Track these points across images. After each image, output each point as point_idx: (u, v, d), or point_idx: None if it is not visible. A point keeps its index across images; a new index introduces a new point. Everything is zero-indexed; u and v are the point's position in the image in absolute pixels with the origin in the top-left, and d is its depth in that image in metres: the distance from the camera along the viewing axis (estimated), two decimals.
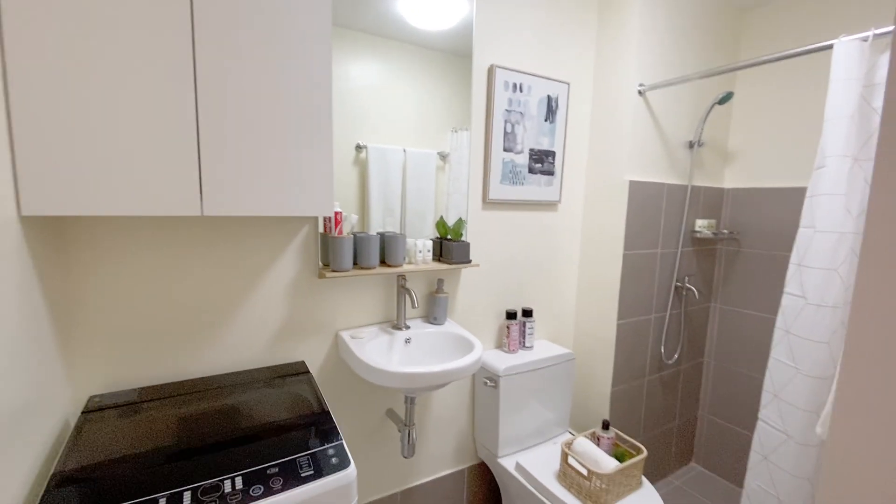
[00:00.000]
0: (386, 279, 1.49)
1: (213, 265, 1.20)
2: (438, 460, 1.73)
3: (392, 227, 1.48)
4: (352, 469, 0.88)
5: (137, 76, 0.85)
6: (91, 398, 1.06)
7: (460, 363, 1.25)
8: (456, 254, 1.50)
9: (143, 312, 1.13)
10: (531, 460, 1.59)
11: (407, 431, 1.45)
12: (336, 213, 1.28)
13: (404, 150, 1.48)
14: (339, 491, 0.86)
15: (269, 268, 1.28)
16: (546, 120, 1.77)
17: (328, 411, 1.05)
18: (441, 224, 1.55)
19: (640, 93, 1.75)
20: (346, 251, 1.29)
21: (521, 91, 1.68)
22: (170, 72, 0.88)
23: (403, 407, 1.49)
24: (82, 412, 1.00)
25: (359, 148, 1.40)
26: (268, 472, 0.83)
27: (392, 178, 1.47)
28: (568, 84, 1.80)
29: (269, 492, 0.79)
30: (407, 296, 1.45)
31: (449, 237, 1.54)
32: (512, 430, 1.66)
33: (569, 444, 1.48)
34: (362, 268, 1.34)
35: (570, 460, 1.43)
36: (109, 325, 1.09)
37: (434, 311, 1.56)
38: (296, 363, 1.32)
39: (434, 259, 1.54)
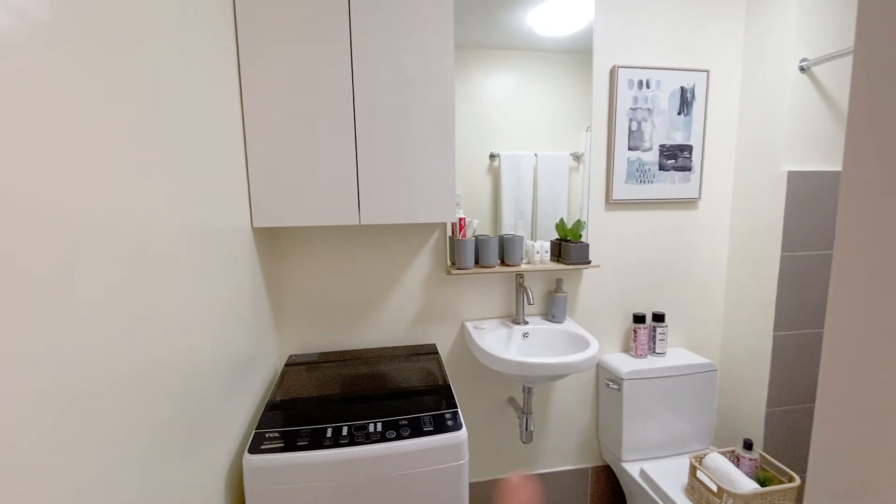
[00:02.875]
0: (505, 277, 1.64)
1: (368, 262, 1.53)
2: (560, 455, 1.79)
3: (523, 230, 1.62)
4: (463, 432, 1.06)
5: (320, 136, 1.19)
6: (290, 356, 1.48)
7: (573, 358, 1.32)
8: (574, 255, 1.56)
9: (322, 297, 1.52)
10: (657, 469, 1.53)
11: (525, 419, 1.57)
12: (460, 219, 1.48)
13: (535, 155, 1.60)
14: (452, 448, 1.05)
15: (409, 265, 1.56)
16: (680, 113, 1.67)
17: (449, 385, 1.26)
18: (560, 226, 1.62)
19: (802, 69, 1.51)
20: (468, 252, 1.49)
21: (647, 87, 1.63)
22: (340, 132, 1.20)
23: (522, 397, 1.61)
24: (285, 365, 1.41)
25: (492, 157, 1.58)
26: (399, 422, 1.07)
27: (523, 183, 1.60)
28: (706, 72, 1.66)
29: (399, 437, 1.03)
30: (524, 293, 1.57)
31: (567, 238, 1.61)
32: (638, 437, 1.62)
33: (699, 458, 1.39)
34: (483, 266, 1.52)
35: (700, 474, 1.35)
36: (301, 306, 1.51)
37: (553, 310, 1.64)
38: (428, 345, 1.57)
39: (553, 259, 1.62)
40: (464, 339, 1.63)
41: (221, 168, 1.00)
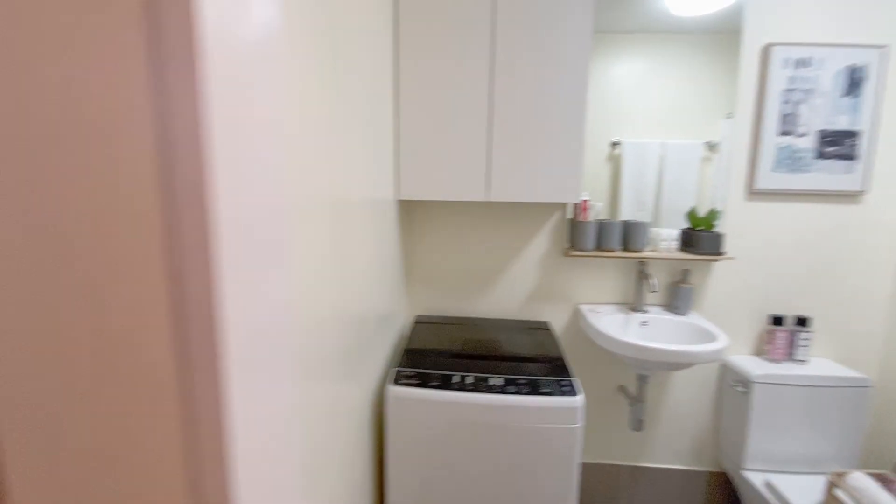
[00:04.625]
0: (626, 263, 1.63)
1: (489, 238, 1.64)
2: (670, 451, 1.73)
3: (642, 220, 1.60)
4: (579, 398, 1.12)
5: (457, 120, 1.33)
6: (417, 316, 1.66)
7: (697, 348, 1.28)
8: (705, 244, 1.49)
9: (445, 267, 1.67)
10: (787, 483, 1.41)
11: (637, 407, 1.56)
12: (584, 201, 1.52)
13: (662, 144, 1.56)
14: (566, 411, 1.11)
15: (527, 243, 1.63)
16: (847, 95, 1.48)
17: (563, 358, 1.31)
18: (692, 214, 1.56)
19: None
20: (589, 234, 1.51)
21: (806, 66, 1.48)
22: (475, 116, 1.32)
23: (635, 385, 1.59)
24: (414, 323, 1.60)
25: (614, 145, 1.58)
26: (518, 381, 1.17)
27: (646, 173, 1.58)
28: (883, 47, 1.45)
29: (518, 392, 1.12)
30: (646, 281, 1.55)
31: (699, 227, 1.54)
32: (764, 446, 1.50)
33: (840, 475, 1.25)
34: (603, 250, 1.53)
35: (839, 492, 1.22)
36: (427, 273, 1.68)
37: (676, 301, 1.58)
38: (541, 322, 1.64)
39: (681, 249, 1.56)
40: (576, 322, 1.66)
41: (380, 149, 1.18)
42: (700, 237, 1.50)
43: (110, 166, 0.29)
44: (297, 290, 0.62)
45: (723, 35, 1.50)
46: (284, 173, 0.42)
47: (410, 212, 1.65)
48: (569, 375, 1.20)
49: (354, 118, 0.90)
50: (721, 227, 1.55)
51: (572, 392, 1.13)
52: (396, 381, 1.16)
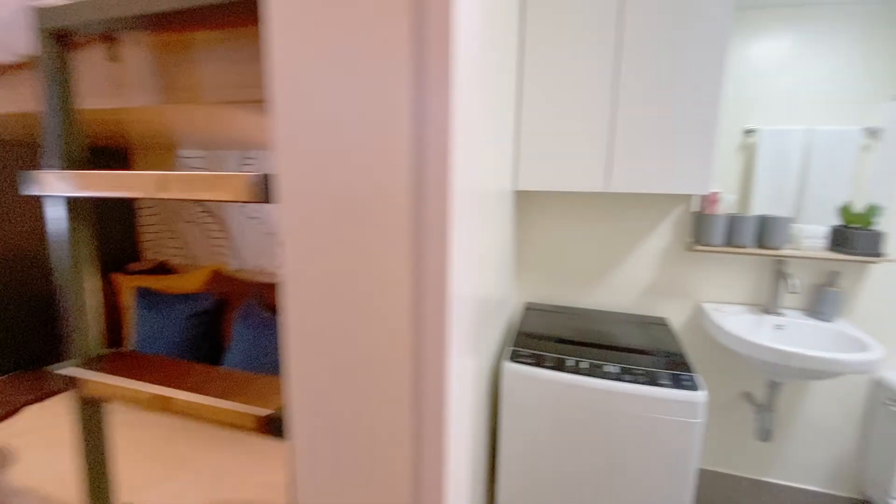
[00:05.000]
0: (759, 261, 1.51)
1: (604, 229, 1.64)
2: (803, 470, 1.57)
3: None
4: (702, 394, 1.10)
5: (578, 108, 1.36)
6: (527, 303, 1.73)
7: (847, 357, 1.17)
8: (860, 244, 1.32)
9: (557, 256, 1.71)
10: None
11: (766, 415, 1.45)
12: (713, 193, 1.44)
13: (809, 130, 1.42)
14: (687, 405, 1.10)
15: (646, 236, 1.60)
16: None
17: (683, 353, 1.28)
18: (846, 209, 1.39)
19: None
20: (718, 228, 1.43)
21: None
22: (597, 103, 1.34)
23: (762, 392, 1.48)
24: (525, 309, 1.67)
25: (747, 132, 1.47)
26: (634, 370, 1.18)
27: (787, 163, 1.44)
28: None
29: (634, 381, 1.14)
30: (783, 281, 1.42)
31: (853, 225, 1.37)
32: None
33: None
34: (734, 246, 1.44)
35: None
36: (538, 261, 1.73)
37: (820, 306, 1.43)
38: (658, 317, 1.60)
39: (829, 248, 1.41)
40: (697, 320, 1.59)
41: (503, 140, 1.27)
42: (855, 235, 1.33)
43: (376, 163, 0.42)
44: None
45: (891, 2, 1.30)
46: (478, 166, 0.52)
47: (525, 201, 1.71)
48: (689, 371, 1.18)
49: (490, 110, 1.00)
50: (881, 224, 1.36)
51: (693, 386, 1.11)
52: (512, 359, 1.25)
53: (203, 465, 1.16)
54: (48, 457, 1.19)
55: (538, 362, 1.23)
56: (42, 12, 0.67)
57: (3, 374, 1.60)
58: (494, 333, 1.33)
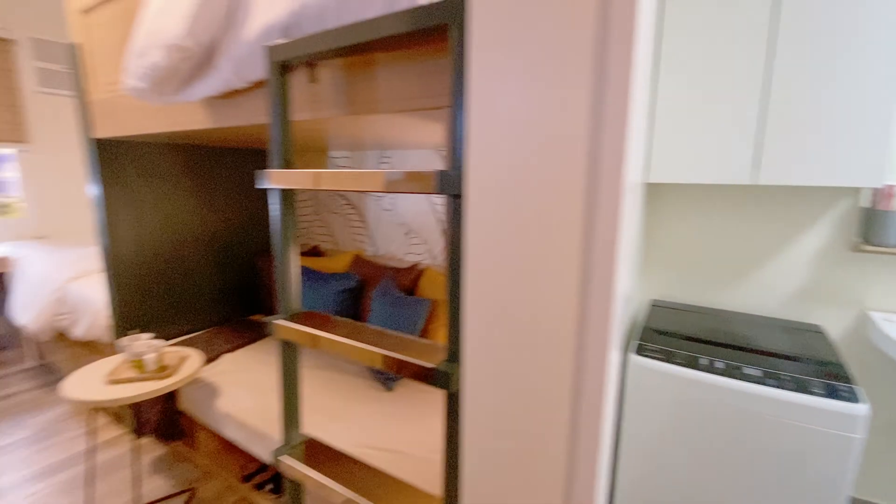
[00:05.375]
0: None
1: (747, 225, 1.52)
2: None
3: None
4: (863, 407, 0.99)
5: (721, 91, 1.28)
6: (654, 300, 1.69)
7: None
8: None
9: (689, 253, 1.63)
10: None
11: None
12: (889, 186, 1.25)
13: None
14: (843, 417, 1.00)
15: (798, 234, 1.45)
16: None
17: (843, 364, 1.15)
18: None
19: None
20: (895, 227, 1.24)
21: None
22: (745, 85, 1.25)
23: None
24: (651, 305, 1.63)
25: None
26: (779, 376, 1.10)
27: None
28: None
29: (780, 387, 1.06)
30: None
31: None
32: None
33: None
34: None
35: None
36: (667, 258, 1.67)
37: None
38: (810, 324, 1.44)
39: None
40: (863, 330, 1.39)
41: (638, 132, 1.26)
42: None
43: (555, 163, 0.50)
44: None
45: None
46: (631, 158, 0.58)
47: (654, 194, 1.66)
48: (849, 382, 1.06)
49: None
50: None
51: (853, 398, 1.00)
52: (639, 352, 1.25)
53: (352, 417, 1.38)
54: (241, 393, 1.53)
55: (667, 358, 1.21)
56: (272, 49, 0.89)
57: (206, 329, 2.07)
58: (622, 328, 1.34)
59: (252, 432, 1.37)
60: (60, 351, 2.36)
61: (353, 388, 1.55)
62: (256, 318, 2.24)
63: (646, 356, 1.23)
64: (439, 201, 1.95)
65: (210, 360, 1.74)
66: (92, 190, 1.71)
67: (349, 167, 2.26)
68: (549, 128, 0.50)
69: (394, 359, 0.77)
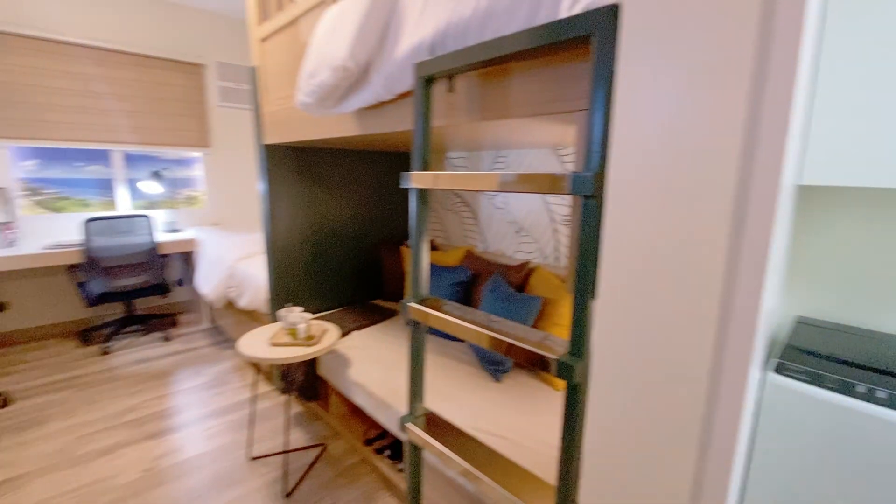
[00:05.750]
0: None
1: None
2: None
3: None
4: None
5: None
6: (799, 316, 1.50)
7: None
8: None
9: (851, 266, 1.41)
10: None
11: None
12: None
13: None
14: None
15: None
16: None
17: None
18: None
19: None
20: None
21: None
22: None
23: None
24: (795, 322, 1.45)
25: None
26: None
27: None
28: None
29: None
30: None
31: None
32: None
33: None
34: None
35: None
36: (819, 270, 1.47)
37: None
38: None
39: None
40: None
41: None
42: None
43: (705, 166, 0.52)
44: None
45: None
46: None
47: (806, 197, 1.47)
48: None
49: None
50: None
51: None
52: (778, 371, 1.13)
53: (462, 400, 1.49)
54: (368, 366, 1.73)
55: (814, 380, 1.08)
56: (420, 65, 1.00)
57: (338, 308, 2.36)
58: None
59: (377, 401, 1.56)
60: (227, 317, 2.89)
61: (463, 374, 1.66)
62: (378, 302, 2.49)
63: (788, 376, 1.11)
64: (555, 201, 1.96)
65: (343, 334, 2.00)
66: (260, 186, 2.08)
67: (465, 167, 2.38)
68: (701, 131, 0.51)
69: (518, 347, 0.83)
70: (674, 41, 0.53)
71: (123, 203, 3.25)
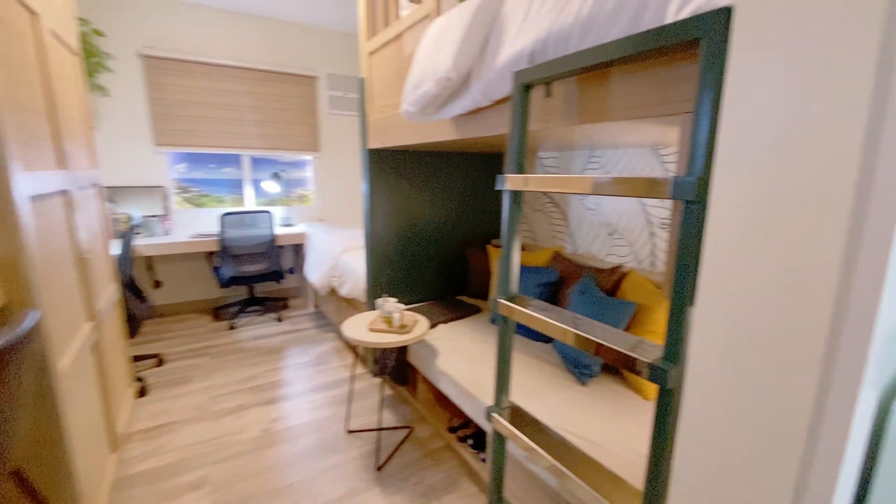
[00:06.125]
0: None
1: None
2: None
3: None
4: None
5: None
6: None
7: None
8: None
9: None
10: None
11: None
12: None
13: None
14: None
15: None
16: None
17: None
18: None
19: None
20: None
21: None
22: None
23: None
24: None
25: None
26: None
27: None
28: None
29: None
30: None
31: None
32: None
33: None
34: None
35: None
36: None
37: None
38: None
39: None
40: None
41: None
42: None
43: (820, 176, 0.50)
44: None
45: None
46: None
47: None
48: None
49: None
50: None
51: None
52: None
53: (546, 400, 1.50)
54: (455, 357, 1.83)
55: None
56: (519, 73, 1.05)
57: (426, 302, 2.50)
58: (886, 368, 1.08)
59: (462, 391, 1.64)
60: (329, 303, 3.20)
61: (548, 374, 1.68)
62: (463, 298, 2.58)
63: None
64: (652, 203, 1.88)
65: (431, 326, 2.12)
66: (363, 186, 2.28)
67: (556, 168, 2.37)
68: (818, 135, 0.49)
69: (608, 347, 0.85)
70: (791, 42, 0.51)
71: (249, 200, 3.76)
